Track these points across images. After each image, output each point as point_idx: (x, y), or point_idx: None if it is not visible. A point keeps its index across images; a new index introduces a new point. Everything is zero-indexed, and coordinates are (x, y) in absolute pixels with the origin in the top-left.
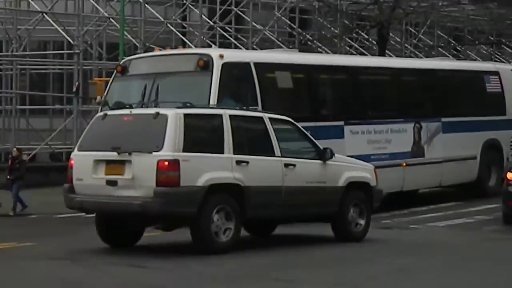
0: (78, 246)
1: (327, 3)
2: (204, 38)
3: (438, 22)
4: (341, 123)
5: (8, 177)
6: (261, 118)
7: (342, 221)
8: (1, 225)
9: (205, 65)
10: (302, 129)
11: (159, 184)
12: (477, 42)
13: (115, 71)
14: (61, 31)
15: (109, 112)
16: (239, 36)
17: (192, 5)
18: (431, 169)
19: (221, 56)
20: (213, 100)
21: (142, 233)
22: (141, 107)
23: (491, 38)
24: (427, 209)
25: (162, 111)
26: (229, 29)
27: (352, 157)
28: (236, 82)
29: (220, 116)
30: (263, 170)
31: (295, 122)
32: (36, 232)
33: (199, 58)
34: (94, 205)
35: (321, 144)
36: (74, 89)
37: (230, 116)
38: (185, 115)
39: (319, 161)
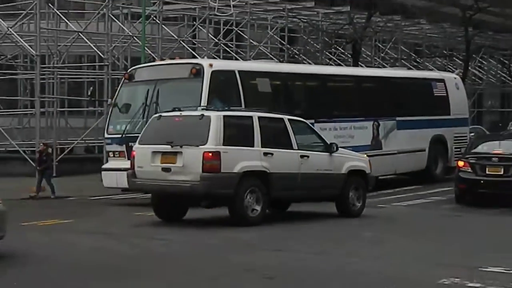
0: (110, 222)
1: (310, 23)
2: (210, 53)
3: (401, 39)
4: (312, 121)
5: (38, 168)
6: (282, 119)
7: (344, 200)
8: (44, 206)
9: (197, 72)
10: (313, 128)
11: (204, 170)
12: (433, 55)
13: (123, 78)
14: (93, 47)
15: (163, 114)
16: (239, 51)
17: (201, 26)
18: (388, 159)
19: (211, 65)
20: (204, 101)
21: (187, 210)
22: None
23: (445, 52)
24: (392, 192)
25: (206, 113)
26: (231, 45)
27: None
28: (223, 86)
29: (251, 117)
30: (284, 160)
31: (308, 122)
32: (74, 212)
33: (192, 67)
34: (152, 187)
35: None
36: (89, 93)
37: (259, 117)
38: (224, 117)
39: (326, 153)
